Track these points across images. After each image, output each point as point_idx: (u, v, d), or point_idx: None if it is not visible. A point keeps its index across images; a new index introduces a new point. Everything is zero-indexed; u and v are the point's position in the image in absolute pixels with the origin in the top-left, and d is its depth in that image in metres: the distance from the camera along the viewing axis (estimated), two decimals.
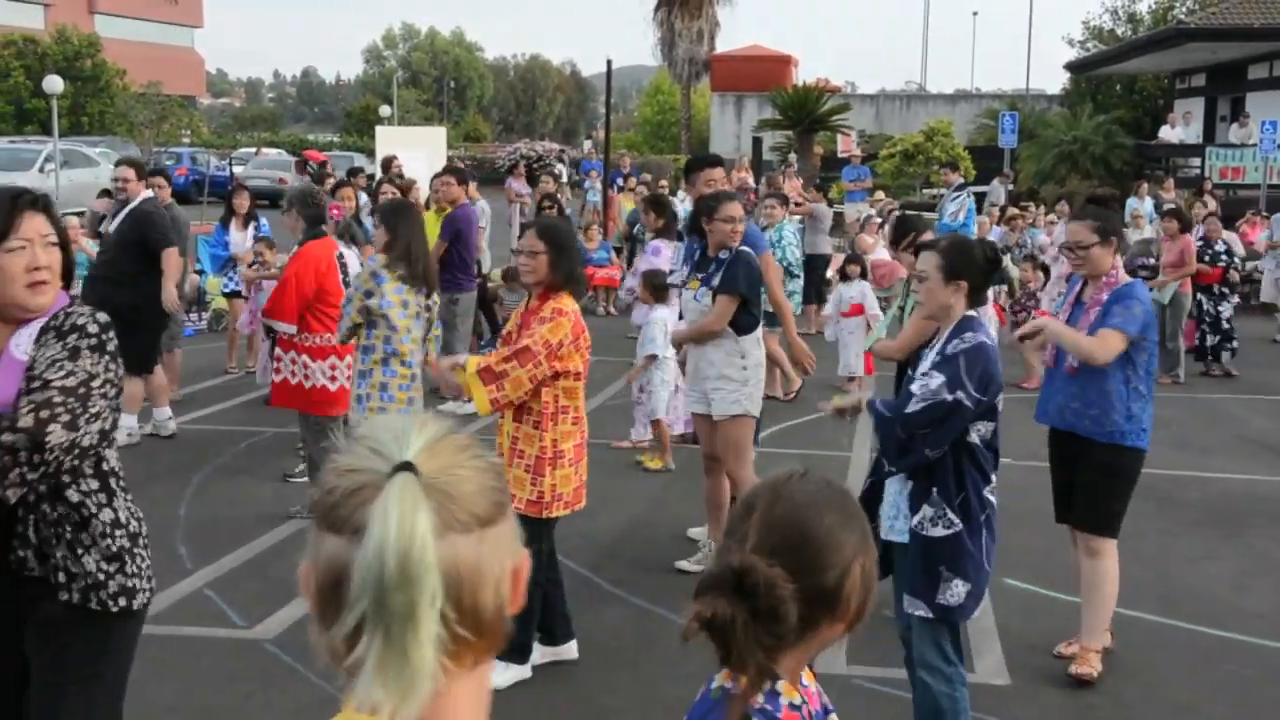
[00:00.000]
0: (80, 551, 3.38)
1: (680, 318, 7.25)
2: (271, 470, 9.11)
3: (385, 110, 58.36)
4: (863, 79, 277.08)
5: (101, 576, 3.40)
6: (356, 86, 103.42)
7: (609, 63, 21.35)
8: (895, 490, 4.73)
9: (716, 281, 6.88)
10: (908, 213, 8.60)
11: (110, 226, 9.80)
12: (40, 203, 3.38)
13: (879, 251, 18.84)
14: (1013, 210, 20.95)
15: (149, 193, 9.80)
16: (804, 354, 7.75)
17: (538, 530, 5.49)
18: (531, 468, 5.59)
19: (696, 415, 7.28)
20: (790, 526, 1.94)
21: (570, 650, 5.99)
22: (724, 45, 54.88)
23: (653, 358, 9.57)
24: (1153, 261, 19.67)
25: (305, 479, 8.55)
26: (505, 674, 5.58)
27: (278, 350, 8.14)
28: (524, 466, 5.60)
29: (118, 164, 10.02)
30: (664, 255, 11.25)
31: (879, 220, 19.59)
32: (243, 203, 12.92)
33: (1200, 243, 14.68)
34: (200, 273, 14.92)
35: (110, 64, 50.84)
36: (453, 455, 1.30)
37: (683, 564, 7.35)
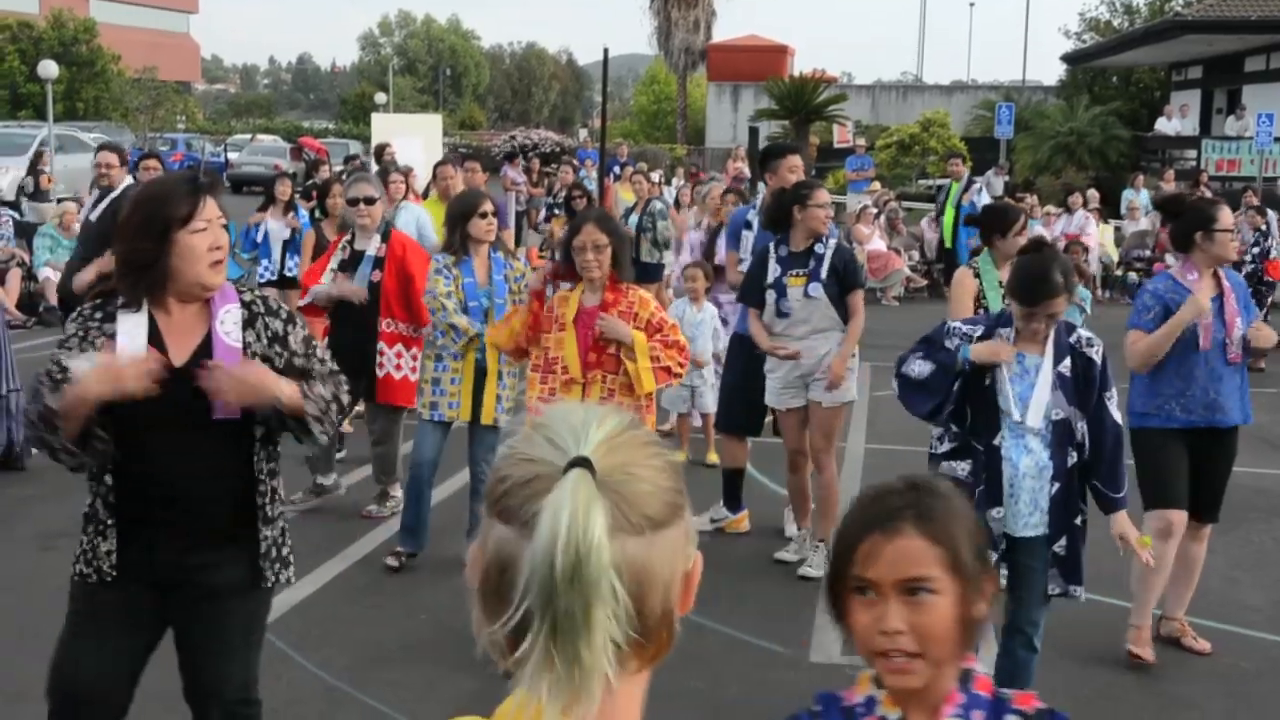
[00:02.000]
0: (267, 522, 3.69)
1: (783, 314, 6.90)
2: None
3: (381, 97, 58.22)
4: (859, 70, 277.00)
5: (275, 550, 3.71)
6: (352, 73, 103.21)
7: (605, 51, 21.27)
8: (1033, 488, 4.72)
9: (824, 275, 6.86)
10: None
11: (93, 215, 9.59)
12: (214, 186, 3.58)
13: (875, 242, 18.87)
14: (1009, 202, 20.94)
15: (130, 179, 9.68)
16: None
17: None
18: None
19: (791, 410, 7.09)
20: (941, 509, 2.02)
21: None
22: (720, 35, 54.89)
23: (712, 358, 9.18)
24: (1148, 254, 19.70)
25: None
26: None
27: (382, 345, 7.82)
28: None
29: (99, 149, 9.77)
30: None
31: (874, 211, 19.60)
32: (286, 190, 12.77)
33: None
34: None
35: (105, 49, 50.71)
36: (631, 452, 1.25)
37: (782, 555, 7.30)
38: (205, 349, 3.55)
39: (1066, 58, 39.65)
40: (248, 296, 3.68)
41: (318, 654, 5.81)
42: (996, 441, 4.69)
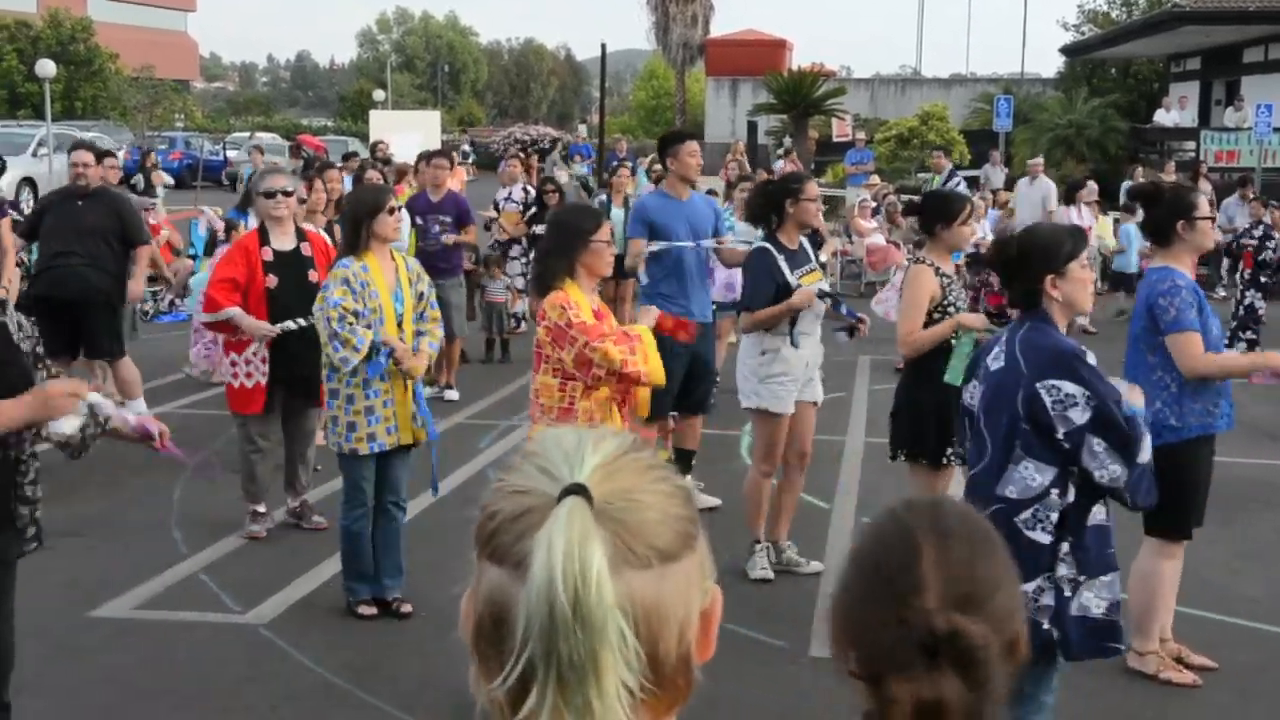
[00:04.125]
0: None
1: (835, 310, 6.76)
2: None
3: (379, 95, 58.14)
4: (858, 63, 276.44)
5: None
6: (350, 71, 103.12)
7: (603, 47, 21.30)
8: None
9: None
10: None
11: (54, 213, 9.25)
12: None
13: (874, 237, 18.83)
14: (1006, 195, 20.90)
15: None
16: None
17: None
18: None
19: (807, 405, 6.90)
20: (976, 570, 1.56)
21: None
22: (719, 29, 54.81)
23: None
24: (1147, 247, 19.60)
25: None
26: None
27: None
28: None
29: (73, 148, 9.53)
30: None
31: (873, 204, 19.56)
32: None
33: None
34: (194, 256, 14.82)
35: (103, 48, 50.68)
36: (633, 477, 1.13)
37: (756, 572, 6.89)
38: None
39: (1065, 50, 39.60)
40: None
41: (315, 652, 5.80)
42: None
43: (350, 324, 5.86)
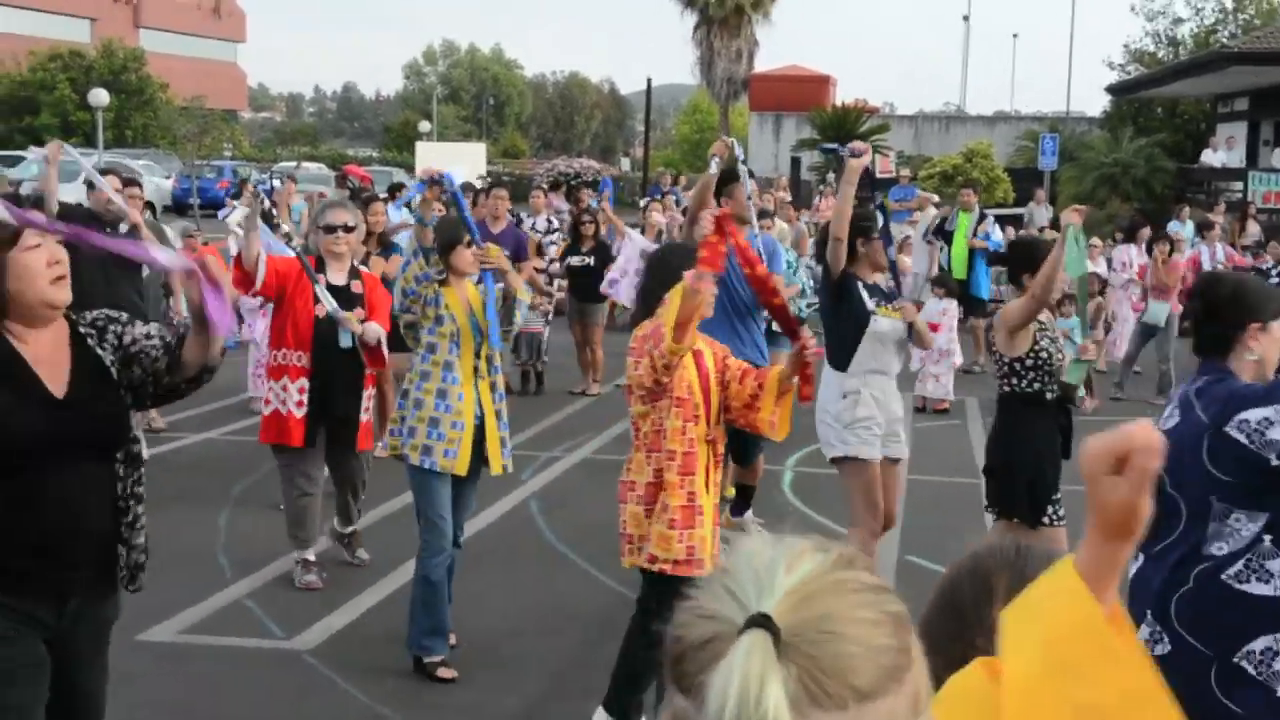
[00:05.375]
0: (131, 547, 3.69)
1: (916, 344, 6.67)
2: None
3: (425, 126, 58.72)
4: (902, 100, 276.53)
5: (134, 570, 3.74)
6: (396, 102, 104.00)
7: (648, 81, 21.43)
8: None
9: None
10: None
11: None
12: (38, 202, 3.56)
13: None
14: (1053, 233, 20.83)
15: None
16: None
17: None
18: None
19: (895, 462, 6.60)
20: None
21: None
22: (763, 65, 54.90)
23: None
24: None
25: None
26: None
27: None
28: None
29: (102, 174, 9.49)
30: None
31: (925, 231, 19.50)
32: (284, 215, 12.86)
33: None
34: None
35: (154, 78, 51.40)
36: (832, 602, 1.02)
37: None
38: (82, 375, 3.38)
39: (1111, 89, 39.48)
40: (84, 316, 3.51)
41: (360, 680, 5.83)
42: None
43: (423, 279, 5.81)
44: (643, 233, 14.14)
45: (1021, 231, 22.81)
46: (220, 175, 40.62)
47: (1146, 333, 13.95)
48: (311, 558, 7.20)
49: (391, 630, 6.34)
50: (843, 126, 33.33)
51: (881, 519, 6.53)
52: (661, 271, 5.09)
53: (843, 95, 45.04)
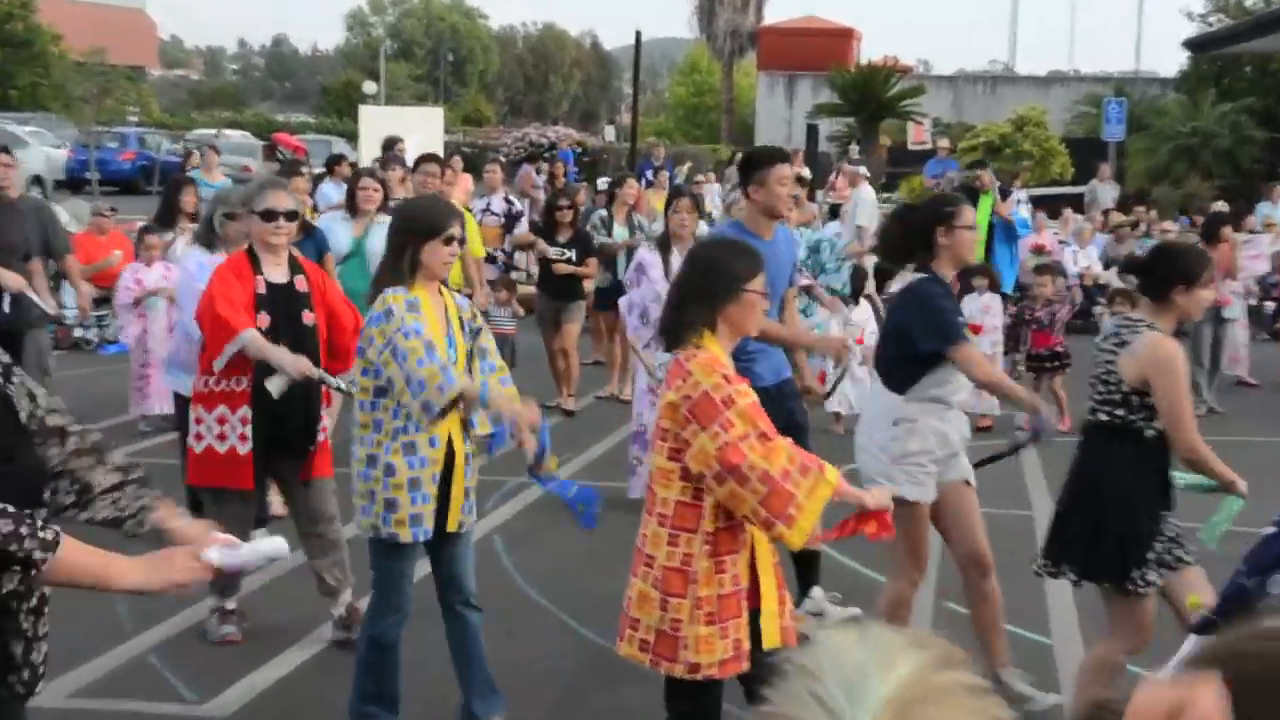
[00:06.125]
0: None
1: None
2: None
3: (370, 87, 58.70)
4: (939, 58, 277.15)
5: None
6: (336, 58, 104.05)
7: (638, 34, 21.44)
8: None
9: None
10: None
11: None
12: None
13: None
14: (1119, 216, 20.83)
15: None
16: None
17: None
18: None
19: (959, 486, 6.39)
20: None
21: None
22: (773, 15, 55.14)
23: None
24: None
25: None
26: None
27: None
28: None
29: None
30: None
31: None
32: (191, 199, 12.25)
33: None
34: None
35: (45, 27, 51.26)
36: (936, 712, 1.03)
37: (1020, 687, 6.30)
38: None
39: (1189, 44, 39.57)
40: None
41: None
42: None
43: (438, 354, 5.48)
44: (610, 222, 13.92)
45: (1081, 215, 22.81)
46: (124, 145, 40.60)
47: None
48: (232, 606, 7.09)
49: (326, 695, 6.29)
50: (868, 90, 33.38)
51: (925, 566, 6.48)
52: (709, 275, 4.93)
53: (868, 52, 45.18)
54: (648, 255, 10.11)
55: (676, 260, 9.86)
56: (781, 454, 4.58)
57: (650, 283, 9.77)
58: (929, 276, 6.27)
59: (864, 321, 12.38)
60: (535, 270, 13.98)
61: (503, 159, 20.58)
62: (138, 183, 37.31)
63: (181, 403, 8.17)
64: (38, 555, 3.19)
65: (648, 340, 9.29)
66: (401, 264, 5.64)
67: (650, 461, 4.87)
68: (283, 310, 6.78)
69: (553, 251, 12.96)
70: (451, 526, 5.76)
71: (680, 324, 4.89)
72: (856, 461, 6.48)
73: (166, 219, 11.99)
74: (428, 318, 5.59)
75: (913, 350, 6.17)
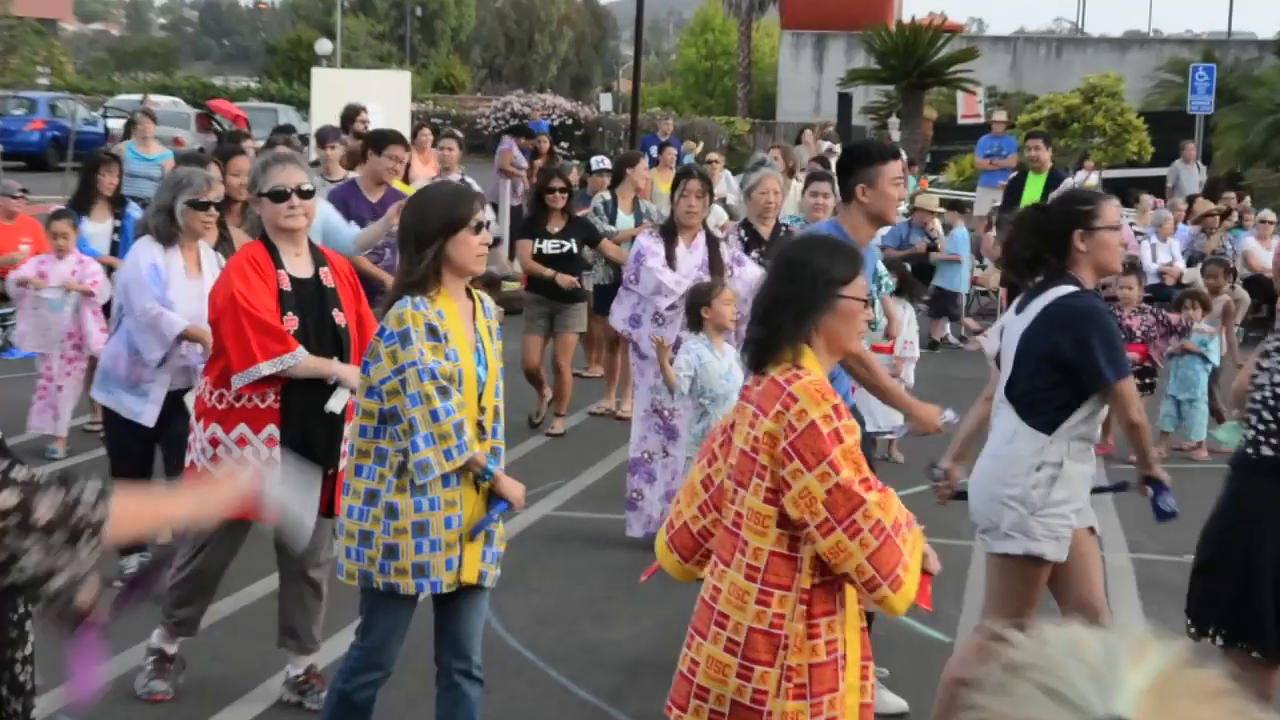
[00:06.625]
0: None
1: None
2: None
3: (324, 46, 58.71)
4: (994, 16, 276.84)
5: None
6: (283, 12, 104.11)
7: None
8: None
9: None
10: None
11: None
12: None
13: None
14: (1207, 203, 20.83)
15: None
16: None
17: None
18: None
19: (1085, 534, 6.16)
20: None
21: None
22: None
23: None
24: None
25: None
26: None
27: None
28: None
29: None
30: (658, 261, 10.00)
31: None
32: (111, 181, 12.14)
33: None
34: None
35: None
36: (1195, 710, 1.03)
37: None
38: None
39: None
40: None
41: None
42: None
43: (453, 404, 5.41)
44: (614, 207, 13.76)
45: (1165, 202, 22.78)
46: (32, 112, 40.60)
47: None
48: (173, 650, 6.96)
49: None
50: (910, 53, 33.39)
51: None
52: (800, 279, 4.78)
53: (911, 8, 45.24)
54: (648, 242, 10.07)
55: (682, 250, 9.90)
56: (894, 504, 4.48)
57: (648, 271, 9.82)
58: (1085, 290, 6.03)
59: (910, 322, 12.40)
60: (519, 268, 13.52)
61: (484, 132, 20.52)
62: (47, 157, 37.28)
63: (116, 421, 8.21)
64: (99, 512, 3.26)
65: (674, 339, 9.26)
66: (420, 269, 5.47)
67: (737, 503, 4.67)
68: (312, 310, 6.65)
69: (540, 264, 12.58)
70: (469, 577, 5.62)
71: (773, 338, 4.70)
72: (972, 509, 6.20)
73: (83, 202, 11.98)
74: (454, 333, 5.47)
75: (1072, 380, 5.91)
